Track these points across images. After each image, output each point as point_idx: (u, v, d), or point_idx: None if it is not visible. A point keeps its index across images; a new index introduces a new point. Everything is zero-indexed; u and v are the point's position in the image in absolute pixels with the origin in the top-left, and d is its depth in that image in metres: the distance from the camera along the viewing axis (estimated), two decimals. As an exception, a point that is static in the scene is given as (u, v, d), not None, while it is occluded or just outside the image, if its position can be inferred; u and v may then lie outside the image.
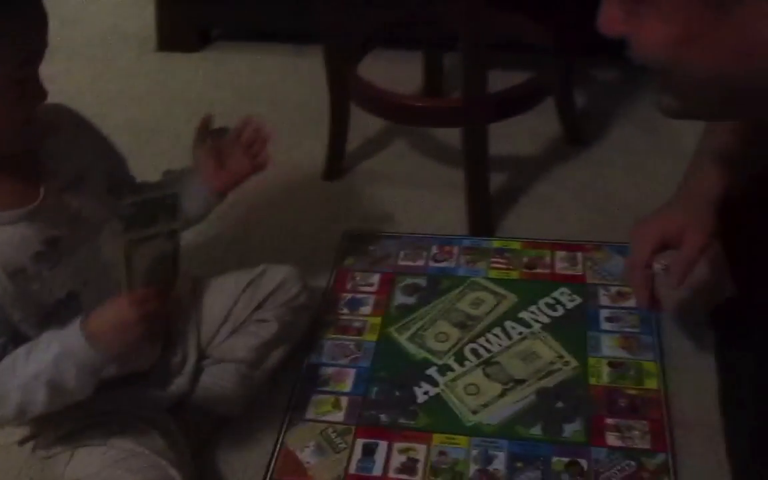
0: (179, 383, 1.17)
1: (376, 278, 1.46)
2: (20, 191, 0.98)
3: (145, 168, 1.80)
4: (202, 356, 1.22)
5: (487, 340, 1.31)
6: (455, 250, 1.50)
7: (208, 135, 1.19)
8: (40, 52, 0.94)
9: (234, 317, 1.25)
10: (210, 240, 1.60)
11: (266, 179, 1.78)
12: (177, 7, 2.30)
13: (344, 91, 1.64)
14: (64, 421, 1.06)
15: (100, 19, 2.57)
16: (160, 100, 2.15)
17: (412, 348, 1.32)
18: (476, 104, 1.48)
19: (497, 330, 1.33)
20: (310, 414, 1.23)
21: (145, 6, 2.39)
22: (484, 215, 1.57)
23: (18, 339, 0.97)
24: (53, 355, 0.94)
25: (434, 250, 1.51)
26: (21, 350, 0.96)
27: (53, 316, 0.99)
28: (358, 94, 1.61)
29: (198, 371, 1.21)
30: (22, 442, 1.10)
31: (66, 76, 2.27)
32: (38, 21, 0.93)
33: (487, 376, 1.25)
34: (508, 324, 1.33)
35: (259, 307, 1.25)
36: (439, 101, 1.78)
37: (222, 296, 1.26)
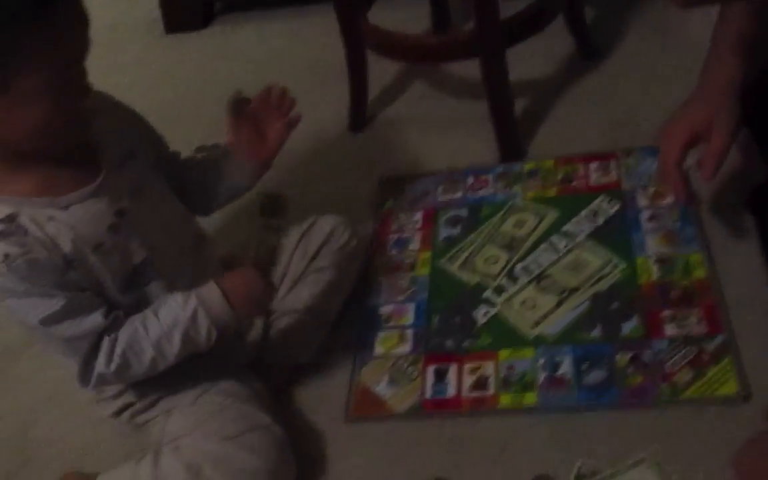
0: (253, 337, 1.24)
1: (419, 216, 1.51)
2: (83, 173, 1.04)
3: (177, 144, 1.82)
4: (269, 312, 1.28)
5: (536, 257, 1.36)
6: (490, 178, 1.54)
7: (239, 108, 1.22)
8: (84, 51, 0.98)
9: (292, 271, 1.30)
10: (251, 203, 1.65)
11: (296, 141, 1.82)
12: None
13: (359, 39, 1.67)
14: (157, 388, 1.12)
15: (104, 10, 2.58)
16: (175, 82, 2.18)
17: (464, 275, 1.36)
18: (491, 31, 1.50)
19: (544, 246, 1.37)
20: (379, 351, 1.29)
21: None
22: (513, 140, 1.60)
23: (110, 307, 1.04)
24: (191, 310, 1.04)
25: (470, 181, 1.55)
26: (148, 312, 1.05)
27: (132, 282, 1.07)
28: (374, 40, 1.63)
29: (267, 327, 1.27)
30: (117, 413, 1.16)
31: (90, 70, 2.30)
32: (81, 22, 0.96)
33: (542, 290, 1.30)
34: (553, 239, 1.38)
35: (314, 257, 1.30)
36: (456, 35, 1.80)
37: (279, 251, 1.31)
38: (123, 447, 1.24)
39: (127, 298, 1.06)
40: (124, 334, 1.03)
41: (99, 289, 1.04)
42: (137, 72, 2.27)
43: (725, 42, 1.15)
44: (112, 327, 1.03)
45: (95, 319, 1.01)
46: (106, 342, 1.02)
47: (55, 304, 0.98)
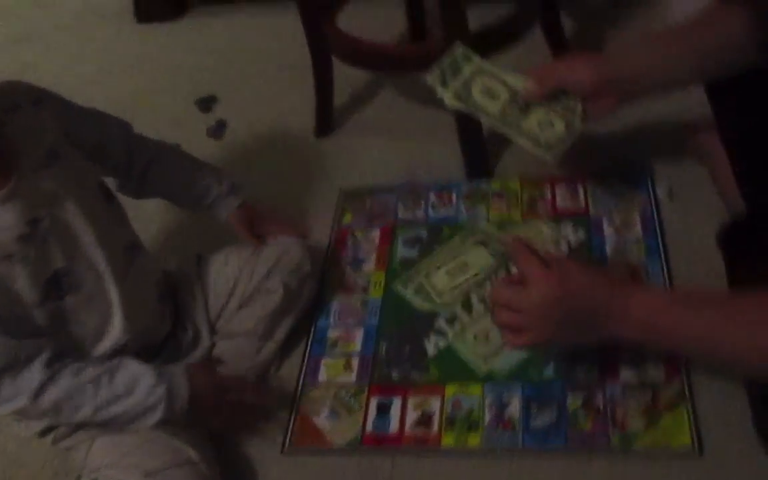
0: (195, 360, 1.18)
1: (376, 234, 1.45)
2: None
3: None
4: (212, 332, 1.22)
5: (493, 285, 1.30)
6: (453, 196, 1.48)
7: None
8: None
9: (240, 290, 1.24)
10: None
11: (260, 141, 1.77)
12: (151, -24, 2.25)
13: (324, 44, 1.60)
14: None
15: (80, -1, 2.51)
16: (143, 72, 2.11)
17: (418, 300, 1.31)
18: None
19: (502, 273, 1.31)
20: (323, 377, 1.23)
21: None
22: (480, 157, 1.54)
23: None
24: (155, 400, 1.02)
25: (432, 198, 1.49)
26: (103, 371, 1.01)
27: (47, 295, 0.99)
28: (338, 46, 1.57)
29: (210, 349, 1.21)
30: (42, 434, 1.10)
31: (45, 60, 2.23)
32: None
33: (496, 321, 1.24)
34: (513, 267, 1.32)
35: (264, 277, 1.24)
36: (419, 46, 1.74)
37: (226, 269, 1.25)
38: (50, 468, 1.18)
39: (42, 313, 0.99)
40: (65, 382, 0.98)
41: (14, 303, 0.96)
42: (105, 60, 2.21)
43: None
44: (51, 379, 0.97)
45: (32, 378, 0.96)
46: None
47: None
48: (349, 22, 1.63)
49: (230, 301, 1.25)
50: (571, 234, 1.35)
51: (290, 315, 1.27)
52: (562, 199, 1.42)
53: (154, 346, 1.16)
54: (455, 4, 1.41)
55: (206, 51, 2.13)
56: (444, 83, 1.28)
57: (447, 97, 1.27)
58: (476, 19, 1.43)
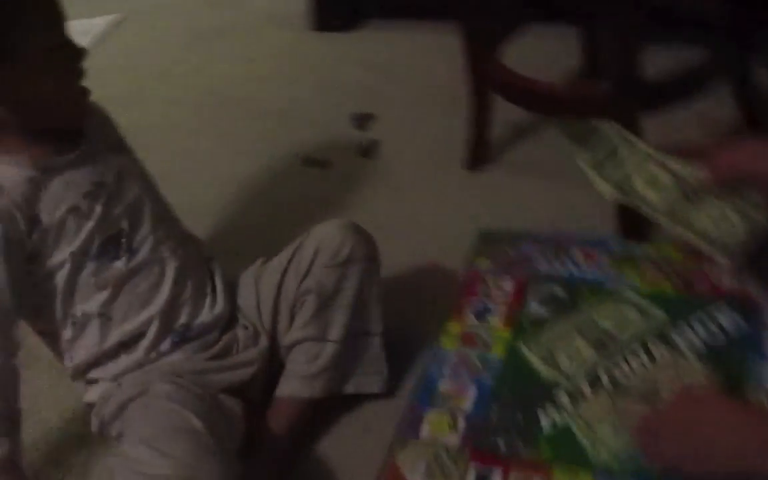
0: (251, 355, 1.21)
1: (509, 284, 1.34)
2: (67, 146, 1.11)
3: (281, 149, 1.79)
4: (271, 336, 1.24)
5: (628, 364, 1.16)
6: (600, 254, 1.35)
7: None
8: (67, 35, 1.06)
9: (285, 293, 1.24)
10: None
11: (406, 166, 1.73)
12: (331, -14, 2.27)
13: (483, 77, 1.53)
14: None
15: (257, 1, 2.59)
16: (307, 80, 2.13)
17: (541, 366, 1.19)
18: (627, 90, 1.31)
19: (640, 352, 1.17)
20: (425, 431, 1.14)
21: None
22: (637, 216, 1.39)
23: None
24: None
25: (576, 253, 1.37)
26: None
27: (104, 251, 1.12)
28: (495, 81, 1.49)
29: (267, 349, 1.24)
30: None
31: (215, 60, 2.31)
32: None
33: (623, 405, 1.11)
34: (654, 346, 1.18)
35: (305, 276, 1.22)
36: (581, 89, 1.62)
37: (271, 272, 1.25)
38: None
39: (94, 265, 1.11)
40: None
41: (69, 249, 1.10)
42: (274, 64, 2.25)
43: None
44: None
45: None
46: None
47: None
48: (520, 52, 1.55)
49: (282, 306, 1.24)
50: (726, 318, 1.19)
51: (341, 310, 1.22)
52: (722, 276, 1.26)
53: (208, 335, 1.20)
54: (627, 45, 1.29)
55: (372, 66, 2.11)
56: (599, 169, 1.15)
57: (606, 190, 1.13)
58: (655, 64, 1.30)
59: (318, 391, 1.22)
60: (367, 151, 1.78)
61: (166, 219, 1.22)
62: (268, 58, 2.27)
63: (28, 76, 1.02)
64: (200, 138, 1.96)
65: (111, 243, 1.13)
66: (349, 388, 1.26)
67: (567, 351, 1.20)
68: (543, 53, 1.64)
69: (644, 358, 1.16)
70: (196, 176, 1.80)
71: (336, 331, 1.22)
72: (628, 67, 1.29)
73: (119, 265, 1.13)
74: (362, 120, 1.89)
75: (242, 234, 1.59)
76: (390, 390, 1.24)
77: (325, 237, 1.23)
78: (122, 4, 2.82)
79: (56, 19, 1.04)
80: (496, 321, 1.28)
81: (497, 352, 1.23)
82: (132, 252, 1.14)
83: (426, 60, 2.07)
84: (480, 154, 1.64)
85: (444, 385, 1.20)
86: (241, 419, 1.15)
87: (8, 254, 1.04)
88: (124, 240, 1.14)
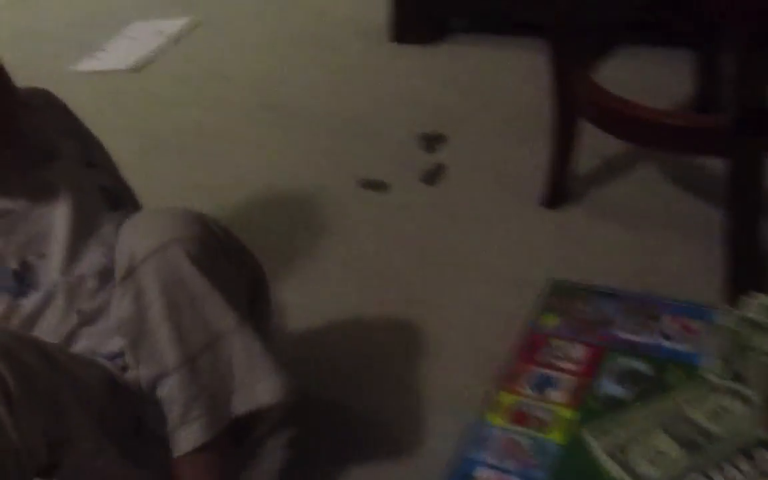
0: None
1: (579, 351, 1.10)
2: None
3: (337, 166, 1.60)
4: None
5: (726, 474, 0.89)
6: (698, 325, 1.09)
7: None
8: None
9: None
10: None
11: (474, 198, 1.51)
12: (414, -4, 2.08)
13: (570, 100, 1.29)
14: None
15: (340, 10, 2.44)
16: (379, 93, 1.95)
17: (610, 465, 0.94)
18: (750, 127, 1.05)
19: (743, 460, 0.90)
20: (452, 532, 0.91)
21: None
22: (749, 279, 1.13)
23: None
24: None
25: (666, 320, 1.11)
26: None
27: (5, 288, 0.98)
28: (586, 104, 1.24)
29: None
30: None
31: (286, 66, 2.16)
32: None
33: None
34: (760, 452, 0.90)
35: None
36: (695, 120, 1.34)
37: None
38: None
39: None
40: None
41: None
42: (348, 74, 2.09)
43: None
44: None
45: None
46: None
47: None
48: (617, 76, 1.30)
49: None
50: None
51: (160, 329, 0.91)
52: None
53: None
54: (755, 74, 1.03)
55: (450, 83, 1.91)
56: (733, 373, 0.96)
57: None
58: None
59: (195, 436, 0.91)
60: (432, 176, 1.56)
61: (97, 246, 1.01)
62: (340, 68, 2.10)
63: None
64: (255, 147, 1.80)
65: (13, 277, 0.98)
66: (239, 409, 0.93)
67: (647, 449, 0.95)
68: (646, 78, 1.40)
69: (747, 468, 0.90)
70: (244, 188, 1.63)
71: (169, 358, 0.90)
72: (753, 100, 1.03)
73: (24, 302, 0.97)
74: (431, 141, 1.67)
75: (283, 255, 1.41)
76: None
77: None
78: (199, 7, 2.72)
79: None
80: (558, 396, 1.05)
81: (555, 438, 0.99)
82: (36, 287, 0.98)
83: (510, 80, 1.85)
84: (560, 189, 1.39)
85: (482, 474, 0.96)
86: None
87: None
88: (27, 274, 0.97)
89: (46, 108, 1.09)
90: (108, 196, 1.06)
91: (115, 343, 0.95)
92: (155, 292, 0.87)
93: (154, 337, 0.89)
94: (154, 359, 0.89)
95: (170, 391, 0.89)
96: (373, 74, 2.05)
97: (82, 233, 1.00)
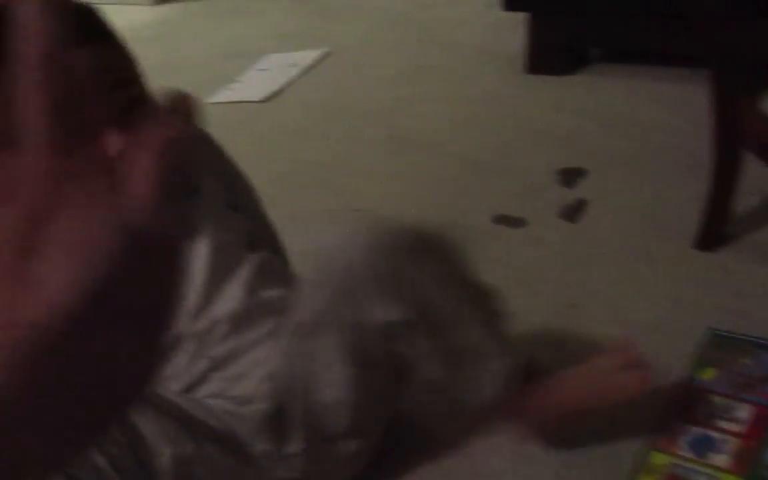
0: None
1: (743, 410, 0.99)
2: None
3: (470, 201, 1.55)
4: None
5: None
6: None
7: None
8: None
9: None
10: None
11: (618, 237, 1.40)
12: (550, 26, 2.00)
13: (735, 134, 1.17)
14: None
15: (471, 40, 2.39)
16: (513, 126, 1.86)
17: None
18: None
19: None
20: None
21: (517, 26, 2.13)
22: None
23: None
24: None
25: None
26: None
27: None
28: (755, 139, 1.13)
29: None
30: None
31: (430, 97, 2.12)
32: None
33: None
34: None
35: None
36: None
37: None
38: None
39: None
40: None
41: None
42: (480, 106, 2.01)
43: None
44: None
45: None
46: None
47: None
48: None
49: None
50: None
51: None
52: None
53: None
54: None
55: (590, 115, 1.81)
56: None
57: None
58: None
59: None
60: (572, 212, 1.47)
61: None
62: (471, 100, 2.04)
63: None
64: (386, 180, 1.75)
65: None
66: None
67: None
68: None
69: None
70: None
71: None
72: None
73: None
74: (570, 175, 1.58)
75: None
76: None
77: None
78: (331, 39, 2.74)
79: None
80: (720, 461, 0.94)
81: (718, 510, 0.87)
82: None
83: (655, 112, 1.73)
84: (717, 230, 1.27)
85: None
86: None
87: None
88: None
89: (199, 146, 1.08)
90: (248, 239, 1.04)
91: (244, 387, 0.94)
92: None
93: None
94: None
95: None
96: (508, 106, 1.98)
97: (217, 276, 0.97)
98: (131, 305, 0.28)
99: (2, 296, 0.28)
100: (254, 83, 2.52)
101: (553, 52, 2.02)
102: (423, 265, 0.93)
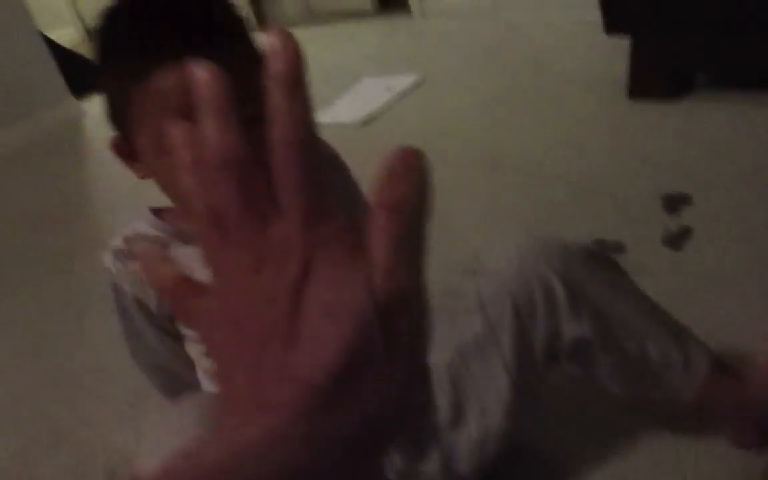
0: None
1: None
2: None
3: (567, 227, 1.53)
4: None
5: None
6: None
7: None
8: None
9: None
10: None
11: (725, 269, 1.33)
12: (654, 50, 1.93)
13: None
14: None
15: (570, 64, 2.34)
16: (614, 152, 1.81)
17: None
18: None
19: None
20: None
21: (619, 50, 2.07)
22: None
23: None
24: None
25: None
26: None
27: None
28: None
29: None
30: None
31: (525, 123, 2.09)
32: None
33: None
34: None
35: None
36: None
37: None
38: None
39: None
40: None
41: None
42: (580, 131, 1.97)
43: None
44: None
45: None
46: None
47: None
48: None
49: None
50: None
51: None
52: None
53: None
54: None
55: (696, 141, 1.73)
56: None
57: None
58: None
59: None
60: (676, 239, 1.41)
61: None
62: (571, 124, 1.99)
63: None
64: (484, 204, 1.73)
65: None
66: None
67: None
68: None
69: None
70: (450, 251, 1.56)
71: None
72: None
73: None
74: (675, 202, 1.51)
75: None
76: None
77: None
78: (425, 64, 2.74)
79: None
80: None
81: None
82: None
83: (766, 139, 1.64)
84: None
85: None
86: None
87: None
88: None
89: (330, 165, 1.05)
90: None
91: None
92: None
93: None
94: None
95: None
96: (609, 130, 1.92)
97: None
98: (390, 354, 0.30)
99: (274, 355, 0.29)
100: (350, 106, 2.55)
101: (657, 77, 1.95)
102: (599, 277, 0.90)
